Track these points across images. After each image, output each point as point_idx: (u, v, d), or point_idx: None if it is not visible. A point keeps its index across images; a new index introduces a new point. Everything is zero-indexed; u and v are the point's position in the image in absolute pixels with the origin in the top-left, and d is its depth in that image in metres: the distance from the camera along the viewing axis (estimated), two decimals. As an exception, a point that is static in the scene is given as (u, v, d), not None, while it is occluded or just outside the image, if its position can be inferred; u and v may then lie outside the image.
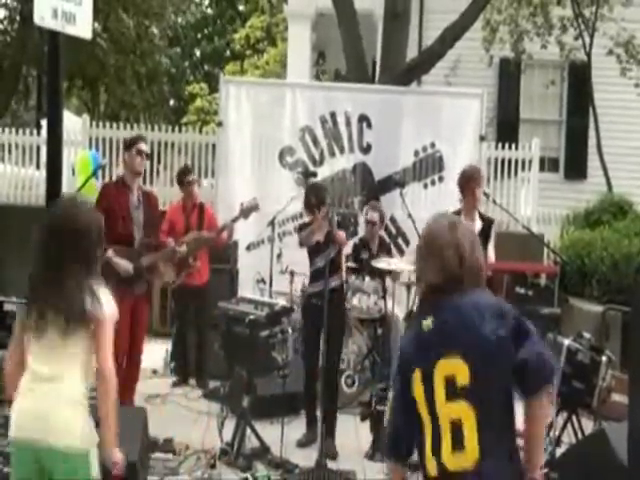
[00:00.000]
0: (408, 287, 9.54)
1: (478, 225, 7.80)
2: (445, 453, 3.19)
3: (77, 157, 13.65)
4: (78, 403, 4.15)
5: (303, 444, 7.61)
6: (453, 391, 3.20)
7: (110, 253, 7.54)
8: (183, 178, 9.87)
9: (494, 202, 9.37)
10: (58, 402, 4.10)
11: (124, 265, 7.58)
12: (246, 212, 8.92)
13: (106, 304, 4.14)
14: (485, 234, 7.80)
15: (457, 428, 3.19)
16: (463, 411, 3.18)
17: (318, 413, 7.79)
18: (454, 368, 3.21)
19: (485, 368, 3.19)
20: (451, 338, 3.26)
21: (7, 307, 9.66)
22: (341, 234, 7.71)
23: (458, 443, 3.18)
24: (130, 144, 7.97)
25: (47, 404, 4.10)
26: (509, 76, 17.95)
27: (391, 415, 3.58)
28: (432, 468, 3.24)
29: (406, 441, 3.49)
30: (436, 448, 3.23)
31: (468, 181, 7.80)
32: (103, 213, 7.66)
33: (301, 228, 8.16)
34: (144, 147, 7.94)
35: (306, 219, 8.39)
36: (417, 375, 3.31)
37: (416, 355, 3.35)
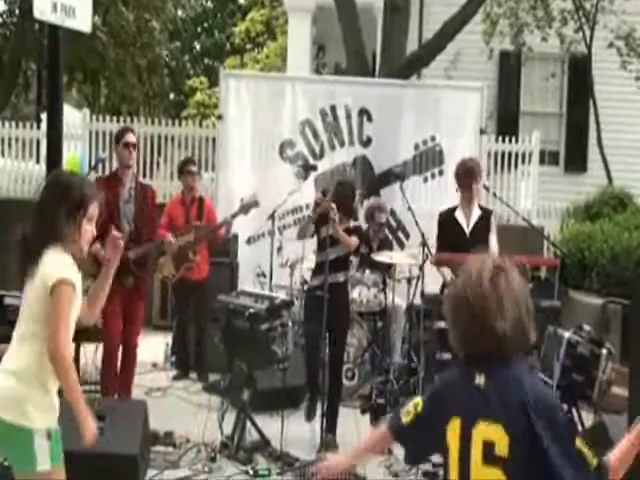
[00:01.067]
0: (409, 280, 9.54)
1: (477, 213, 7.80)
2: None
3: (66, 157, 13.65)
4: (24, 376, 4.10)
5: (307, 417, 7.66)
6: (490, 457, 3.12)
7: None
8: (183, 167, 9.88)
9: (494, 195, 9.39)
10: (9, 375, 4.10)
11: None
12: (246, 208, 8.91)
13: (56, 268, 4.06)
14: (485, 224, 7.78)
15: None
16: (496, 478, 3.11)
17: (318, 406, 7.81)
18: (495, 435, 3.11)
19: (523, 448, 3.08)
20: (498, 405, 3.14)
21: (8, 301, 9.68)
22: (353, 240, 7.65)
23: None
24: (118, 137, 7.97)
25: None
26: (509, 69, 17.94)
27: (411, 421, 3.48)
28: None
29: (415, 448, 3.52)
30: None
31: (465, 175, 7.78)
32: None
33: (320, 217, 8.05)
34: (131, 139, 7.91)
35: (311, 209, 8.34)
36: (455, 424, 3.21)
37: (459, 404, 3.23)
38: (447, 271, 7.70)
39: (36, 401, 4.04)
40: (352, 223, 7.90)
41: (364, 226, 10.07)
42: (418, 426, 3.43)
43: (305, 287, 8.21)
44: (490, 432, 3.11)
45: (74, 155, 14.22)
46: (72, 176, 4.39)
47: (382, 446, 3.85)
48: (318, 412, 7.77)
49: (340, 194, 7.75)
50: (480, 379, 3.19)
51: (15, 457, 4.07)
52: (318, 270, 7.79)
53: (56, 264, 4.04)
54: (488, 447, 3.11)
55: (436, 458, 7.21)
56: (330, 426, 7.57)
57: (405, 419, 3.49)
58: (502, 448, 3.09)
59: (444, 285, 7.70)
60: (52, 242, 4.09)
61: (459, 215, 7.76)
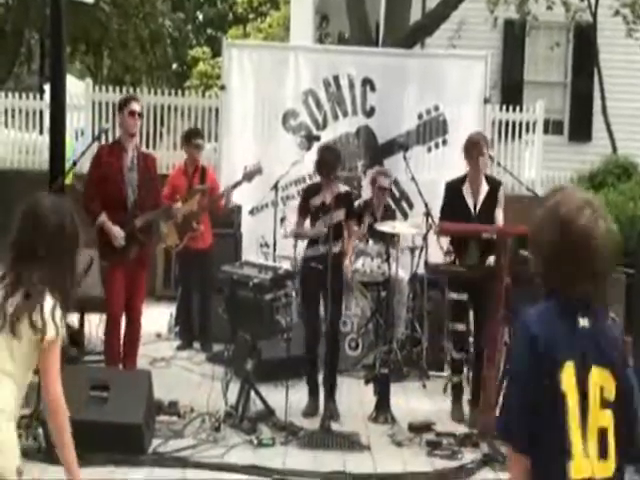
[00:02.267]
0: (412, 250, 9.54)
1: (485, 189, 7.78)
2: (593, 460, 3.13)
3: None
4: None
5: (308, 414, 7.62)
6: (603, 400, 3.13)
7: (103, 217, 7.53)
8: (191, 138, 9.85)
9: (498, 164, 9.35)
10: None
11: (116, 232, 7.54)
12: (249, 176, 8.91)
13: (55, 323, 3.68)
14: (493, 197, 7.77)
15: (604, 437, 3.14)
16: (609, 422, 3.13)
17: (319, 378, 7.83)
18: (606, 380, 3.13)
19: (622, 389, 3.15)
20: (606, 348, 3.15)
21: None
22: (354, 230, 7.67)
23: (603, 452, 3.13)
24: (122, 105, 7.91)
25: None
26: (514, 38, 17.83)
27: (516, 403, 3.19)
28: (585, 469, 3.11)
29: (526, 434, 3.19)
30: (587, 451, 3.13)
31: (472, 148, 7.75)
32: (97, 175, 7.71)
33: (308, 190, 8.10)
34: (136, 107, 7.86)
35: (315, 180, 8.35)
36: (569, 368, 3.12)
37: (569, 348, 3.13)
38: (445, 241, 7.70)
39: (11, 442, 3.70)
40: (342, 188, 7.89)
41: (368, 194, 10.08)
42: (524, 402, 3.20)
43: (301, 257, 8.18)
44: (602, 375, 3.13)
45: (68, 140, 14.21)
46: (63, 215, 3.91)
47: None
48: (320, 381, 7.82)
49: (325, 157, 7.77)
50: (584, 322, 3.14)
51: None
52: (312, 240, 7.80)
53: (55, 317, 3.69)
54: (602, 390, 3.13)
55: (440, 427, 7.28)
56: (330, 395, 7.59)
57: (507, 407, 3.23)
58: (610, 392, 3.13)
59: (445, 254, 7.69)
60: (51, 289, 3.72)
61: (466, 191, 7.72)
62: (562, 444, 3.14)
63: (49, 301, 3.67)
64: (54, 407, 3.70)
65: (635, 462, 3.27)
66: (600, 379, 3.13)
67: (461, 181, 7.80)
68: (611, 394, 3.13)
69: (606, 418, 3.14)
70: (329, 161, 7.73)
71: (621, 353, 3.20)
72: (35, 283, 3.68)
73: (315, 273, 7.57)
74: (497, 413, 3.38)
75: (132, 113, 7.78)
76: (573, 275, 3.16)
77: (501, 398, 3.34)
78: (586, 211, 3.16)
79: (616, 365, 3.15)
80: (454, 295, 7.65)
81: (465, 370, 8.02)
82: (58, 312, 3.69)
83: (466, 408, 7.72)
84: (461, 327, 7.66)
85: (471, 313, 7.77)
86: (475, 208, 7.68)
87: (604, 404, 3.14)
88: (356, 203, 9.87)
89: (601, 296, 3.21)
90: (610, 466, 3.14)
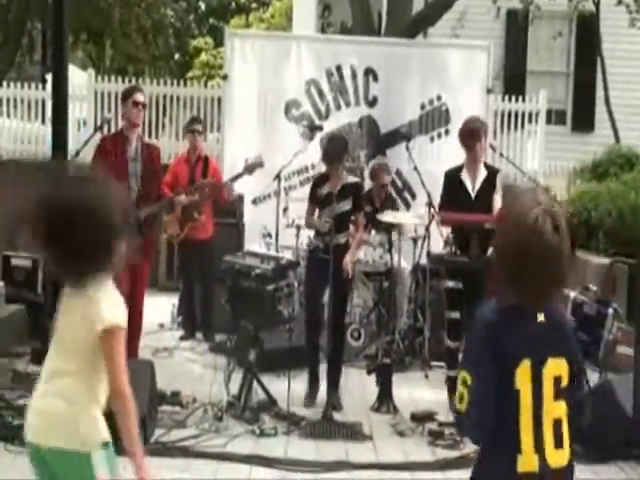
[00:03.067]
0: (414, 240, 9.54)
1: (482, 174, 7.75)
2: (549, 451, 3.20)
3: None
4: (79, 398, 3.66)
5: (306, 404, 7.63)
6: (558, 391, 3.21)
7: None
8: (189, 126, 9.89)
9: (501, 155, 9.35)
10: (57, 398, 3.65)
11: None
12: (250, 168, 8.91)
13: (110, 308, 3.61)
14: (491, 183, 7.74)
15: (559, 427, 3.22)
16: (563, 411, 3.23)
17: (320, 368, 7.84)
18: (561, 368, 3.23)
19: (576, 375, 3.31)
20: (561, 339, 3.28)
21: (15, 262, 9.72)
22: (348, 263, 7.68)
23: (559, 442, 3.22)
24: (126, 95, 7.92)
25: (47, 400, 3.68)
26: (516, 28, 17.80)
27: (477, 400, 3.23)
28: (531, 464, 3.18)
29: (489, 427, 3.28)
30: (539, 445, 3.19)
31: (468, 136, 7.71)
32: (100, 165, 7.71)
33: (316, 179, 8.08)
34: (140, 98, 7.86)
35: (317, 170, 8.35)
36: (525, 367, 3.19)
37: (526, 346, 3.21)
38: (445, 230, 7.69)
39: (88, 417, 3.68)
40: (350, 179, 7.89)
41: (368, 184, 10.08)
42: (486, 396, 3.26)
43: (308, 247, 8.18)
44: (558, 367, 3.22)
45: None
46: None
47: None
48: (323, 372, 7.82)
49: (331, 146, 7.77)
50: (541, 316, 3.25)
51: None
52: (319, 231, 7.81)
53: (110, 304, 3.63)
54: (557, 382, 3.21)
55: (442, 417, 7.29)
56: (333, 385, 7.60)
57: (461, 406, 3.25)
58: (565, 380, 3.23)
59: (445, 244, 7.68)
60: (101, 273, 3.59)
61: (465, 176, 7.71)
62: (512, 439, 3.19)
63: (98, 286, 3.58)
64: (121, 399, 3.66)
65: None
66: (555, 369, 3.22)
67: (460, 169, 7.79)
68: (565, 382, 3.23)
69: (560, 408, 3.22)
70: (335, 150, 7.73)
71: (575, 342, 3.36)
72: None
73: (321, 263, 7.56)
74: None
75: (136, 103, 7.78)
76: (536, 280, 3.18)
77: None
78: (534, 211, 3.17)
79: (572, 354, 3.28)
80: (450, 283, 7.65)
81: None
82: (113, 298, 3.65)
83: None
84: (456, 315, 7.65)
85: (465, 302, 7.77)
86: (473, 192, 7.66)
87: (558, 394, 3.22)
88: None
89: (558, 293, 3.36)
90: (565, 454, 3.23)
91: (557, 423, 3.21)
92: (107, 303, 3.59)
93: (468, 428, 3.36)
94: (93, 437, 3.65)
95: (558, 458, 3.20)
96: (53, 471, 3.65)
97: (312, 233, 8.06)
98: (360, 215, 7.92)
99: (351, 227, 7.86)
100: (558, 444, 3.20)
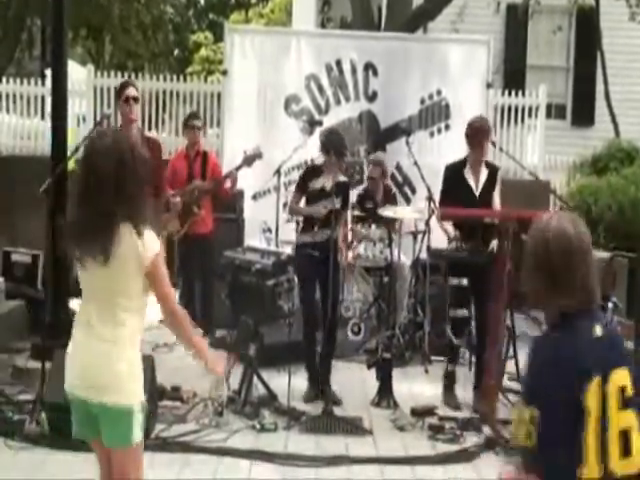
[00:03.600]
0: (414, 235, 9.54)
1: (484, 173, 7.76)
2: (613, 460, 3.17)
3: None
4: (120, 353, 3.99)
5: (308, 399, 7.62)
6: (624, 401, 3.18)
7: None
8: (188, 121, 9.85)
9: (501, 150, 9.34)
10: (102, 355, 3.97)
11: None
12: (249, 160, 8.90)
13: (148, 243, 3.94)
14: (491, 182, 7.76)
15: (626, 436, 3.19)
16: (631, 420, 3.19)
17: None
18: (625, 379, 3.20)
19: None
20: (619, 350, 3.27)
21: (15, 258, 9.73)
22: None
23: (626, 450, 3.18)
24: (118, 92, 7.91)
25: (92, 357, 3.99)
26: (516, 22, 17.78)
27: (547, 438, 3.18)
28: (595, 472, 3.16)
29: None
30: (604, 455, 3.17)
31: (476, 134, 7.72)
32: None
33: (308, 171, 8.07)
34: (132, 92, 7.80)
35: (316, 162, 8.33)
36: (595, 383, 3.14)
37: (593, 362, 3.17)
38: (450, 226, 7.69)
39: (135, 376, 4.03)
40: (341, 177, 7.90)
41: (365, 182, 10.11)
42: (554, 434, 3.22)
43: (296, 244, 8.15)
44: (622, 376, 3.19)
45: (71, 128, 14.20)
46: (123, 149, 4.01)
47: None
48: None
49: (333, 140, 7.76)
50: (597, 328, 3.21)
51: (114, 435, 3.99)
52: (306, 226, 7.80)
53: (150, 237, 4.00)
54: (621, 392, 3.18)
55: (441, 411, 7.30)
56: (326, 380, 7.58)
57: (528, 442, 3.17)
58: (630, 388, 3.19)
59: (453, 240, 7.67)
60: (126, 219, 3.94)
61: (468, 174, 7.71)
62: (579, 452, 3.16)
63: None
64: (176, 313, 4.16)
65: None
66: (620, 380, 3.18)
67: (462, 164, 7.79)
68: (631, 390, 3.19)
69: (627, 418, 3.18)
70: (338, 143, 7.72)
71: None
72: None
73: (310, 259, 7.55)
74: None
75: (126, 99, 7.75)
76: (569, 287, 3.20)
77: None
78: (555, 216, 3.28)
79: (629, 364, 3.23)
80: (454, 281, 7.65)
81: (468, 355, 8.05)
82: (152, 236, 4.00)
83: (461, 393, 7.74)
84: (461, 313, 7.66)
85: (472, 298, 7.76)
86: (477, 190, 7.68)
87: (625, 404, 3.17)
88: (359, 189, 9.95)
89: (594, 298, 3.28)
90: (634, 462, 3.18)
91: (624, 433, 3.19)
92: (148, 236, 3.97)
93: (535, 465, 3.21)
94: (140, 395, 4.03)
95: (625, 466, 3.17)
96: (98, 422, 3.99)
97: (298, 228, 8.05)
98: (346, 213, 7.95)
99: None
100: (625, 453, 3.18)
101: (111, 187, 3.88)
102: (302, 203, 7.89)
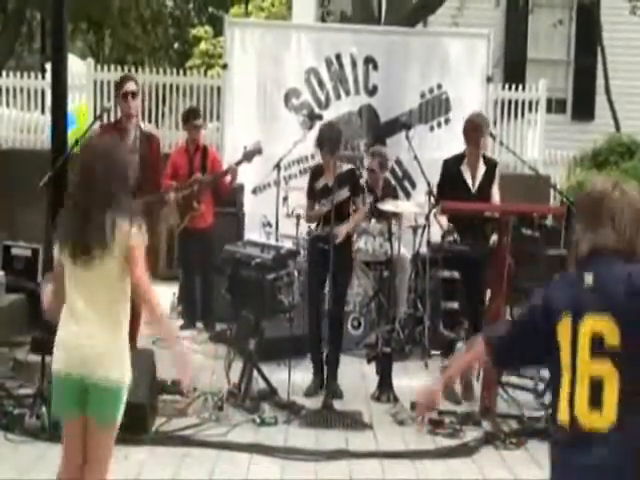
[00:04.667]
0: (414, 229, 9.54)
1: (482, 169, 7.76)
2: (580, 408, 3.16)
3: (75, 106, 13.59)
4: (113, 336, 4.34)
5: (311, 393, 7.63)
6: (600, 349, 3.14)
7: None
8: (191, 119, 9.80)
9: (501, 143, 9.35)
10: (94, 337, 4.27)
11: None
12: (249, 155, 8.90)
13: (131, 232, 4.26)
14: (490, 176, 7.76)
15: (598, 386, 3.14)
16: (606, 372, 3.13)
17: (323, 357, 7.85)
18: (603, 326, 3.15)
19: (635, 336, 3.13)
20: (608, 298, 3.18)
21: (15, 251, 9.73)
22: (363, 212, 7.73)
23: (596, 402, 3.14)
24: (117, 86, 7.90)
25: (84, 339, 4.26)
26: (516, 16, 17.77)
27: (511, 331, 3.51)
28: (564, 415, 3.21)
29: (510, 356, 3.55)
30: (571, 399, 3.19)
31: (472, 130, 7.73)
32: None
33: (312, 172, 8.07)
34: (131, 87, 7.79)
35: (315, 161, 8.33)
36: (566, 321, 3.23)
37: (568, 303, 3.25)
38: (444, 220, 7.68)
39: (126, 358, 4.36)
40: (345, 166, 7.88)
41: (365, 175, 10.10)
42: (521, 332, 3.46)
43: (309, 236, 8.16)
44: (598, 324, 3.16)
45: (82, 104, 14.19)
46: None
47: (475, 362, 3.95)
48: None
49: (326, 134, 7.73)
50: (589, 279, 3.24)
51: (105, 412, 4.29)
52: (321, 220, 7.79)
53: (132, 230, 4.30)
54: (597, 339, 3.15)
55: (441, 406, 7.29)
56: (332, 373, 7.60)
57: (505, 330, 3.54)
58: (613, 339, 3.13)
59: (444, 234, 7.67)
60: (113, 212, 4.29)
61: (465, 170, 7.72)
62: (557, 391, 3.27)
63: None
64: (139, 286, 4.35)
65: None
66: (597, 326, 3.16)
67: (459, 159, 7.79)
68: (614, 341, 3.13)
69: (600, 367, 3.14)
70: (331, 137, 7.70)
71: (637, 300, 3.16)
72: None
73: (321, 252, 7.55)
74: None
75: (125, 95, 7.74)
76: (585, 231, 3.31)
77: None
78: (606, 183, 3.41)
79: (622, 312, 3.14)
80: (446, 273, 7.66)
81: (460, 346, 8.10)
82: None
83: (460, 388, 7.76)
84: (452, 305, 7.68)
85: (464, 292, 7.78)
86: (474, 186, 7.68)
87: (599, 353, 3.14)
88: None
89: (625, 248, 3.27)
90: (606, 418, 3.12)
91: (595, 383, 3.14)
92: (132, 230, 4.27)
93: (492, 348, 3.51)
94: (129, 372, 4.33)
95: (594, 421, 3.13)
96: (92, 400, 4.25)
97: (299, 222, 8.06)
98: (359, 199, 7.91)
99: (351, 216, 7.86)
100: (594, 405, 3.13)
101: (97, 186, 4.28)
102: (316, 206, 7.89)
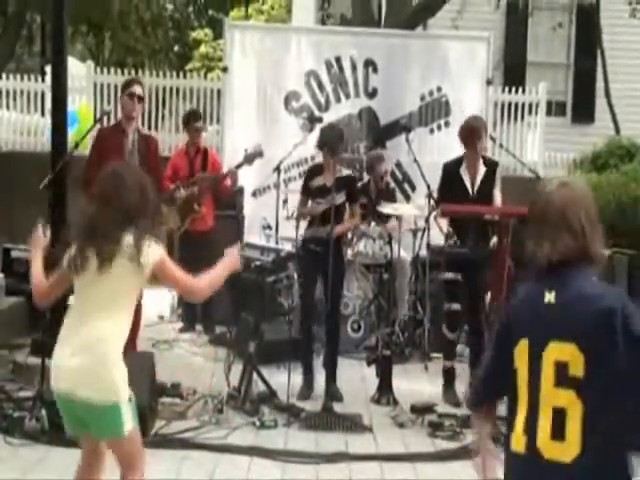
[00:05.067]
0: (414, 232, 9.53)
1: (482, 170, 7.76)
2: (542, 438, 3.04)
3: (77, 107, 13.60)
4: (112, 353, 4.26)
5: (302, 396, 7.62)
6: (564, 378, 3.01)
7: None
8: (192, 122, 9.80)
9: (501, 146, 9.35)
10: (79, 356, 4.20)
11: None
12: (250, 158, 8.90)
13: (152, 249, 4.30)
14: (491, 178, 7.75)
15: (560, 417, 3.01)
16: (570, 402, 3.00)
17: (316, 361, 7.84)
18: (568, 355, 3.00)
19: (600, 365, 2.97)
20: (571, 322, 3.03)
21: (15, 254, 9.72)
22: (356, 219, 7.73)
23: (558, 433, 3.02)
24: (123, 88, 7.90)
25: (67, 359, 4.22)
26: (516, 19, 17.77)
27: (483, 370, 3.42)
28: (520, 444, 3.11)
29: (483, 395, 3.45)
30: (531, 428, 3.08)
31: (468, 134, 7.73)
32: (97, 157, 7.72)
33: (310, 171, 8.07)
34: (137, 90, 7.81)
35: (316, 160, 8.31)
36: (523, 345, 3.11)
37: (528, 325, 3.13)
38: (444, 223, 7.68)
39: (121, 371, 4.26)
40: (344, 172, 7.88)
41: (366, 177, 10.11)
42: (494, 364, 3.36)
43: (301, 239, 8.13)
44: (563, 352, 3.02)
45: (84, 105, 14.18)
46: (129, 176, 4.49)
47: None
48: (320, 363, 7.84)
49: (327, 135, 7.72)
50: (550, 296, 3.09)
51: (104, 429, 4.25)
52: (311, 222, 7.78)
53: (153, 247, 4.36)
54: (561, 368, 3.02)
55: (441, 408, 7.30)
56: (331, 375, 7.59)
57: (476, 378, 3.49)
58: (577, 368, 2.99)
59: (447, 237, 7.67)
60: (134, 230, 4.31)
61: (464, 172, 7.71)
62: (512, 417, 3.17)
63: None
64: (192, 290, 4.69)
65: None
66: (559, 355, 3.04)
67: (458, 162, 7.79)
68: (578, 370, 3.00)
69: (564, 397, 3.02)
70: (332, 139, 7.69)
71: (605, 326, 2.99)
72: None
73: (313, 255, 7.54)
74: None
75: (131, 95, 7.74)
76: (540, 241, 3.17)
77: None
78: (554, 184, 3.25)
79: (587, 338, 2.99)
80: (449, 275, 7.67)
81: (468, 352, 8.09)
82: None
83: (461, 390, 7.75)
84: (456, 307, 7.68)
85: (466, 294, 7.78)
86: (473, 189, 7.68)
87: (563, 382, 3.02)
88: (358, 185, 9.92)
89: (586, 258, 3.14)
90: (569, 450, 3.01)
91: (558, 412, 3.02)
92: (150, 248, 4.32)
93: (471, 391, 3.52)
94: (125, 389, 4.23)
95: (556, 451, 3.02)
96: (84, 419, 4.22)
97: (298, 225, 8.03)
98: (356, 206, 7.92)
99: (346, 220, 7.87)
100: (557, 435, 3.02)
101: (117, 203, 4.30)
102: (309, 203, 7.87)
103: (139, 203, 4.35)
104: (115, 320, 4.27)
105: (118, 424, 4.18)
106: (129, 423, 4.21)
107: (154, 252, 4.30)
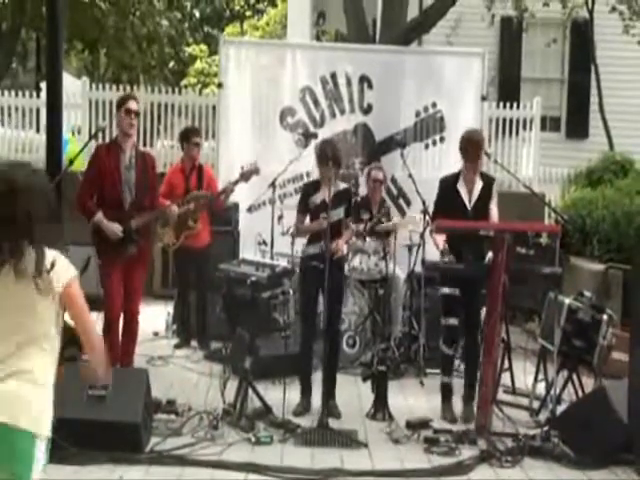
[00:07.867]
0: (409, 248, 9.54)
1: (479, 185, 7.76)
2: None
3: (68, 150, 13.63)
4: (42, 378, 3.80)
5: (299, 413, 7.59)
6: None
7: (99, 216, 7.51)
8: (190, 137, 9.78)
9: (495, 162, 9.34)
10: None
11: (112, 228, 7.52)
12: (246, 176, 8.92)
13: (61, 269, 3.78)
14: (487, 193, 7.76)
15: None
16: None
17: (313, 377, 7.83)
18: None
19: None
20: None
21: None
22: (340, 243, 7.69)
23: None
24: (119, 104, 7.88)
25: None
26: (511, 35, 17.84)
27: None
28: None
29: None
30: None
31: (470, 147, 7.72)
32: (93, 174, 7.72)
33: (306, 188, 8.06)
34: (133, 106, 7.78)
35: (312, 178, 8.31)
36: None
37: None
38: (440, 240, 7.67)
39: (49, 406, 3.82)
40: (341, 185, 7.87)
41: (365, 190, 10.11)
42: None
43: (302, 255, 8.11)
44: None
45: (72, 137, 14.20)
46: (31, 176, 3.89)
47: None
48: (318, 379, 7.82)
49: (329, 150, 7.69)
50: None
51: (18, 465, 3.70)
52: (313, 238, 7.77)
53: (61, 263, 3.83)
54: None
55: (436, 424, 7.29)
56: (329, 392, 7.57)
57: None
58: None
59: (442, 253, 7.65)
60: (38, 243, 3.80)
61: (461, 188, 7.70)
62: None
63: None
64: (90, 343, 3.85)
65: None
66: None
67: (456, 177, 7.78)
68: None
69: None
70: (334, 153, 7.66)
71: None
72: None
73: (315, 271, 7.53)
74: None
75: (128, 111, 7.72)
76: None
77: None
78: None
79: None
80: (446, 290, 7.66)
81: (457, 364, 8.11)
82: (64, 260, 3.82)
83: (458, 406, 7.74)
84: (453, 321, 7.67)
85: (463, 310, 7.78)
86: (470, 204, 7.67)
87: None
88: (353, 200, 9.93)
89: None
90: None
91: None
92: (59, 263, 3.77)
93: None
94: (47, 423, 3.76)
95: None
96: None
97: (305, 241, 8.01)
98: (349, 219, 7.92)
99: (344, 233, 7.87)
100: None
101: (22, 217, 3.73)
102: (307, 221, 7.86)
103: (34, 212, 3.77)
104: (43, 343, 3.77)
105: (31, 464, 3.68)
106: (38, 471, 3.72)
107: (64, 271, 3.78)
